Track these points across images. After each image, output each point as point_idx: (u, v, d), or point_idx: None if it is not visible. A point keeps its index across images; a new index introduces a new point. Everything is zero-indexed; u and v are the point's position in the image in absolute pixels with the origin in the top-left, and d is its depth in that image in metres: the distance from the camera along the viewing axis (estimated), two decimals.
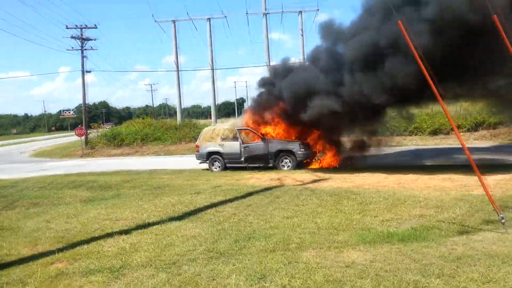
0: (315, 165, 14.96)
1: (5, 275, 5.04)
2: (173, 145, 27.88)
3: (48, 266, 5.29)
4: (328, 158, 15.26)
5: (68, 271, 5.03)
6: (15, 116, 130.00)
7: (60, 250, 5.91)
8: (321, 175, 12.25)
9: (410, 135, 23.01)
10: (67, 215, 8.27)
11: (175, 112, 46.85)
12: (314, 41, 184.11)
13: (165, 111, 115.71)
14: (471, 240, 5.37)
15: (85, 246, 6.03)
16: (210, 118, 46.95)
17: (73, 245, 6.13)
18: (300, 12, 38.80)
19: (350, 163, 14.64)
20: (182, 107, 39.39)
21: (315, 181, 11.11)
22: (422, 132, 22.90)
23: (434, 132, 22.72)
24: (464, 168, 11.69)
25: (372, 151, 15.64)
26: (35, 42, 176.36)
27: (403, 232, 5.87)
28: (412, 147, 20.58)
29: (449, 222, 6.26)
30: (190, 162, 17.31)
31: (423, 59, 5.97)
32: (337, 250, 5.28)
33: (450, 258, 4.74)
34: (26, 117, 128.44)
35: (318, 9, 38.24)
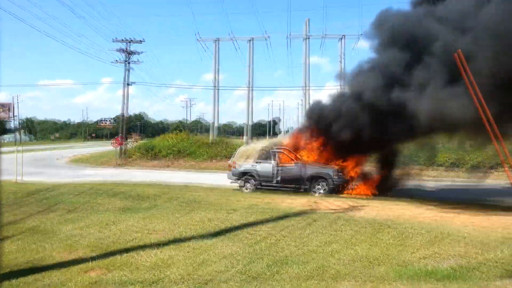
0: (350, 192, 14.71)
1: (46, 277, 5.16)
2: (206, 161, 28.16)
3: (84, 273, 5.37)
4: (363, 186, 15.00)
5: (103, 281, 5.08)
6: (56, 122, 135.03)
7: (98, 257, 6.00)
8: (356, 202, 12.02)
9: (452, 167, 22.30)
10: (104, 223, 8.43)
11: (209, 129, 47.41)
12: (353, 66, 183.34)
13: (199, 127, 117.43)
14: None
15: (120, 257, 6.09)
16: (243, 137, 47.29)
17: (109, 254, 6.21)
18: (342, 37, 38.90)
19: (387, 193, 14.29)
20: (216, 124, 39.91)
21: (351, 208, 10.90)
22: (463, 165, 22.14)
23: (477, 166, 21.94)
24: (507, 209, 11.25)
25: (411, 182, 15.29)
26: (82, 52, 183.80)
27: (442, 271, 5.63)
28: (451, 181, 19.95)
29: (493, 264, 5.97)
30: (223, 179, 17.38)
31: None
32: (373, 284, 5.12)
33: None
34: (67, 124, 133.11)
35: (361, 34, 38.07)
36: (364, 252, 6.48)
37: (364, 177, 15.43)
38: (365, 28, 51.26)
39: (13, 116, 69.50)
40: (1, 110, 65.42)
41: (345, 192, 14.65)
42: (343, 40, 38.84)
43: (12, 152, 21.22)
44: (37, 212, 9.67)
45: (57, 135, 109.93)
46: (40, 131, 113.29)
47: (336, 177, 14.20)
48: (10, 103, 67.68)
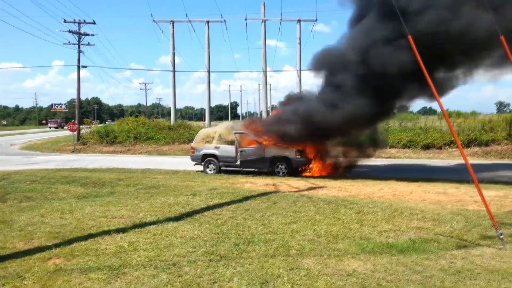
0: (309, 173, 14.99)
1: (1, 269, 4.95)
2: (166, 145, 27.74)
3: (45, 261, 5.21)
4: (322, 167, 15.32)
5: (66, 268, 4.95)
6: (5, 107, 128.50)
7: (57, 245, 5.82)
8: (315, 183, 12.29)
9: (404, 148, 23.20)
10: (62, 211, 8.16)
11: (168, 113, 46.73)
12: (311, 49, 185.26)
13: (158, 110, 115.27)
14: (470, 254, 5.42)
15: (82, 243, 5.94)
16: (203, 120, 46.87)
17: (69, 241, 6.04)
18: (299, 21, 39.00)
19: (345, 173, 14.69)
20: (175, 108, 39.27)
21: (310, 188, 11.13)
22: (415, 146, 23.09)
23: (427, 147, 22.93)
24: (457, 183, 11.87)
25: (366, 162, 15.74)
26: (30, 33, 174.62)
27: (402, 244, 5.90)
28: (406, 160, 20.74)
29: (447, 236, 6.32)
30: (184, 163, 17.24)
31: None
32: (338, 258, 5.29)
33: (450, 271, 4.77)
34: (17, 109, 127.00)
35: (316, 19, 38.38)
36: (325, 229, 6.67)
37: (323, 159, 15.75)
38: (320, 13, 51.74)
39: None
40: None
41: (304, 173, 14.91)
42: (299, 24, 38.95)
43: None
44: None
45: (4, 122, 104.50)
46: None
47: (296, 159, 14.41)
48: None
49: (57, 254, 5.50)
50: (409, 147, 23.18)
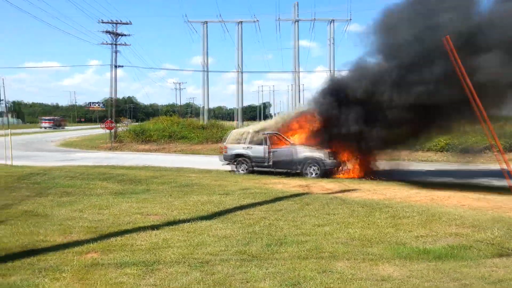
0: (342, 175, 14.80)
1: (42, 261, 5.13)
2: (199, 144, 28.09)
3: (83, 255, 5.37)
4: (355, 169, 15.10)
5: (103, 262, 5.09)
6: (46, 105, 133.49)
7: (94, 240, 5.99)
8: (349, 185, 12.11)
9: (441, 151, 22.52)
10: (99, 206, 8.40)
11: (200, 112, 47.23)
12: (344, 50, 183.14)
13: (191, 110, 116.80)
14: None
15: (119, 238, 6.09)
16: (234, 120, 47.15)
17: (106, 237, 6.20)
18: (332, 21, 38.65)
19: (379, 176, 14.40)
20: (207, 108, 39.72)
21: (343, 190, 10.98)
22: (453, 149, 22.38)
23: (466, 150, 22.16)
24: (498, 188, 11.42)
25: (402, 165, 15.41)
26: (69, 33, 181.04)
27: (439, 250, 5.72)
28: (443, 164, 20.15)
29: (487, 243, 6.07)
30: (216, 162, 17.38)
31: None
32: (372, 262, 5.19)
33: (490, 280, 4.59)
34: (56, 107, 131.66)
35: (350, 19, 37.94)
36: (358, 232, 6.55)
37: (356, 161, 15.54)
38: (354, 13, 51.10)
39: (1, 99, 68.29)
40: None
41: (337, 175, 14.74)
42: (332, 24, 38.60)
43: (2, 135, 20.95)
44: (30, 197, 9.58)
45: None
46: (28, 114, 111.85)
47: (328, 160, 14.27)
48: None
49: (94, 248, 5.65)
50: (447, 150, 22.49)
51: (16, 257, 5.26)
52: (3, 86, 68.47)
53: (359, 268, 4.97)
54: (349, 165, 15.36)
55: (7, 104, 76.94)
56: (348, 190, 11.06)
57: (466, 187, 12.13)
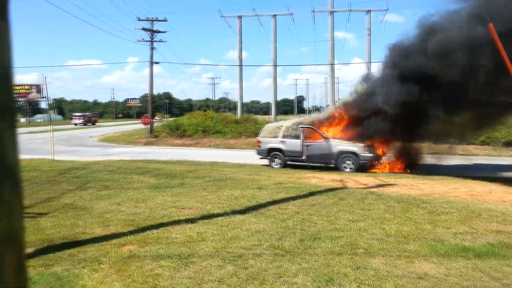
0: (378, 170, 14.51)
1: (82, 252, 5.31)
2: (233, 138, 28.26)
3: (121, 247, 5.51)
4: (392, 163, 14.76)
5: (139, 254, 5.21)
6: (86, 101, 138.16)
7: (131, 233, 6.14)
8: (385, 179, 11.85)
9: (482, 145, 21.67)
10: (136, 200, 8.60)
11: (235, 107, 47.51)
12: (381, 41, 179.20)
13: (225, 105, 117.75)
14: None
15: (154, 231, 6.21)
16: (269, 114, 47.11)
17: (142, 229, 6.34)
18: (369, 11, 37.83)
19: (417, 170, 14.02)
20: (241, 102, 39.87)
21: (379, 185, 10.76)
22: (495, 143, 21.48)
23: (509, 144, 21.23)
24: None
25: (442, 159, 14.93)
26: (108, 32, 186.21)
27: (479, 247, 5.51)
28: (485, 158, 19.39)
29: None
30: (250, 156, 17.46)
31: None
32: (408, 259, 5.06)
33: None
34: (96, 103, 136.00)
35: (387, 9, 37.02)
36: (394, 229, 6.40)
37: (393, 154, 15.20)
38: (391, 2, 49.78)
39: (43, 96, 71.09)
40: (32, 91, 67.01)
41: (373, 169, 14.46)
42: (369, 14, 37.76)
43: (45, 131, 21.81)
44: (70, 190, 9.93)
45: None
46: (69, 111, 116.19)
47: (364, 154, 14.01)
48: (40, 84, 69.25)
49: (131, 240, 5.79)
50: (488, 144, 21.62)
51: (57, 248, 5.47)
52: (45, 84, 71.09)
53: (394, 265, 4.86)
54: (386, 159, 15.03)
55: (49, 101, 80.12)
56: (384, 185, 10.83)
57: (508, 182, 11.61)
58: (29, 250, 5.35)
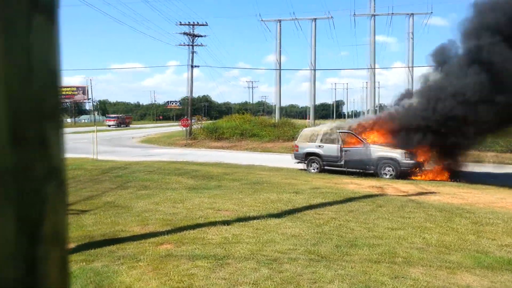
0: (419, 177, 14.09)
1: (121, 249, 5.46)
2: (270, 142, 28.28)
3: (158, 246, 5.62)
4: (434, 170, 14.30)
5: (176, 253, 5.29)
6: (128, 104, 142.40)
7: (168, 232, 6.25)
8: (427, 187, 11.50)
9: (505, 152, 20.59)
10: (174, 200, 8.76)
11: (272, 110, 47.55)
12: (423, 45, 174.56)
13: (263, 108, 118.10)
14: None
15: (191, 232, 6.30)
16: (306, 119, 46.84)
17: (179, 229, 6.44)
18: (411, 14, 36.97)
19: (460, 178, 13.51)
20: (279, 106, 39.86)
21: (420, 193, 10.45)
22: None
23: None
24: None
25: (487, 168, 14.34)
26: (150, 36, 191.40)
27: None
28: None
29: None
30: (287, 160, 17.40)
31: None
32: (449, 270, 4.87)
33: None
34: (138, 105, 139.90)
35: (431, 12, 36.02)
36: (435, 238, 6.19)
37: (435, 162, 14.71)
38: (435, 5, 48.40)
39: (89, 98, 73.86)
40: (78, 93, 69.77)
41: (414, 176, 14.06)
42: (411, 18, 36.87)
43: (89, 131, 22.62)
44: (111, 189, 10.25)
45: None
46: (112, 112, 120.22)
47: (405, 161, 13.65)
48: (86, 86, 71.98)
49: (168, 240, 5.90)
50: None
51: (98, 244, 5.65)
52: (91, 86, 73.90)
53: (435, 275, 4.69)
54: (428, 166, 14.57)
55: (94, 103, 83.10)
56: (426, 193, 10.50)
57: None
58: (71, 245, 5.56)
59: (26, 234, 0.29)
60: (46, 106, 0.34)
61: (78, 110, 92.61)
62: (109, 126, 62.67)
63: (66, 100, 69.27)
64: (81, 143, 27.22)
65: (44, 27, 0.33)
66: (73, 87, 69.81)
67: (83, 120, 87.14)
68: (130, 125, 69.16)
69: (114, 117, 67.21)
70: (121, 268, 4.77)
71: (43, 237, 0.32)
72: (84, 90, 70.55)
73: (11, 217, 0.28)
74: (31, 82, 0.31)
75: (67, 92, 67.13)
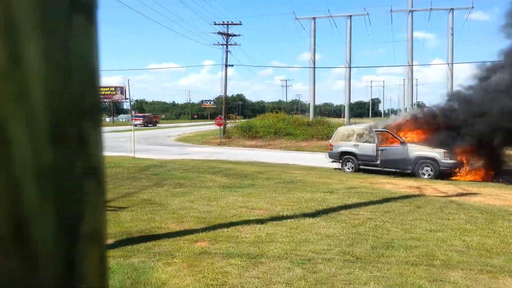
0: (459, 177, 13.62)
1: (157, 246, 5.57)
2: (304, 141, 28.11)
3: (193, 243, 5.70)
4: (476, 170, 13.78)
5: (210, 251, 5.35)
6: (164, 103, 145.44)
7: (203, 230, 6.33)
8: (467, 188, 11.10)
9: None
10: (208, 198, 8.86)
11: (307, 109, 47.26)
12: (464, 41, 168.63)
13: (297, 107, 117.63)
14: None
15: (225, 230, 6.36)
16: (342, 117, 46.28)
17: (214, 227, 6.51)
18: (451, 9, 35.77)
19: (505, 179, 12.95)
20: (313, 104, 39.55)
21: (461, 194, 10.10)
22: None
23: None
24: None
25: None
26: (186, 36, 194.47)
27: None
28: None
29: None
30: (321, 159, 17.24)
31: None
32: (491, 275, 4.68)
33: None
34: (173, 104, 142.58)
35: (472, 7, 34.70)
36: (476, 241, 5.97)
37: (477, 161, 14.17)
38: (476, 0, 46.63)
39: (126, 98, 75.80)
40: (116, 92, 71.73)
41: (454, 177, 13.60)
42: (452, 13, 35.67)
43: (127, 130, 23.20)
44: (148, 186, 10.48)
45: (163, 115, 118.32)
46: (148, 111, 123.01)
47: (445, 160, 13.23)
48: (124, 86, 73.91)
49: (203, 237, 5.97)
50: None
51: (135, 240, 5.79)
52: (128, 86, 75.83)
53: (475, 279, 4.53)
54: (469, 166, 14.05)
55: (131, 103, 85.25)
56: (466, 194, 10.15)
57: None
58: (110, 241, 5.72)
59: (66, 232, 0.30)
60: (86, 105, 0.34)
61: (117, 109, 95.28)
62: (135, 125, 58.72)
63: (105, 100, 71.27)
64: (119, 141, 28.00)
65: (83, 27, 0.33)
66: (112, 87, 71.77)
67: (121, 119, 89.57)
68: (158, 124, 67.40)
69: (141, 116, 64.44)
70: (157, 264, 4.87)
71: (82, 234, 0.32)
72: (122, 90, 72.39)
73: (50, 216, 0.28)
74: (71, 82, 0.32)
75: (106, 92, 69.05)
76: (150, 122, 64.29)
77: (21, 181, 0.27)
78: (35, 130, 0.28)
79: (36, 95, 0.29)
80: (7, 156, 0.27)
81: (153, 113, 79.44)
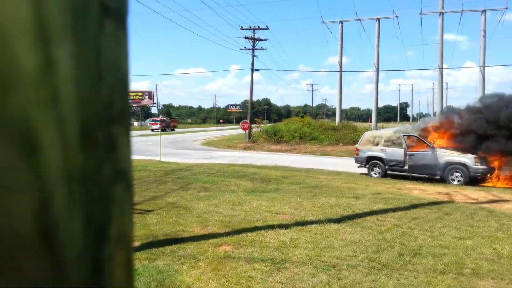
0: (491, 183, 13.21)
1: (182, 249, 5.62)
2: (330, 146, 27.87)
3: (217, 247, 5.72)
4: (509, 176, 13.34)
5: (234, 255, 5.36)
6: (191, 107, 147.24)
7: (227, 234, 6.35)
8: (499, 195, 10.77)
9: None
10: (233, 202, 8.89)
11: (333, 113, 46.86)
12: (497, 43, 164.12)
13: (323, 111, 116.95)
14: None
15: (249, 234, 6.36)
16: (369, 121, 45.68)
17: (238, 231, 6.52)
18: (484, 11, 34.86)
19: None
20: (340, 109, 39.20)
21: (492, 201, 9.80)
22: None
23: None
24: None
25: None
26: (213, 41, 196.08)
27: None
28: None
29: None
30: (347, 164, 17.07)
31: None
32: None
33: None
34: (200, 109, 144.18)
35: (506, 8, 33.71)
36: (508, 249, 5.78)
37: (509, 167, 13.71)
38: (510, 0, 45.32)
39: (154, 102, 77.13)
40: (145, 97, 73.05)
41: (486, 183, 13.20)
42: (484, 14, 34.77)
43: (155, 134, 23.52)
44: (174, 190, 10.59)
45: (189, 120, 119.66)
46: (175, 116, 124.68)
47: (475, 166, 12.87)
48: (152, 91, 75.22)
49: (227, 241, 5.99)
50: None
51: (160, 243, 5.86)
52: (156, 91, 77.15)
53: None
54: (501, 172, 13.62)
55: (159, 107, 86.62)
56: (498, 201, 9.84)
57: None
58: (136, 244, 5.81)
59: (94, 236, 0.30)
60: (115, 110, 0.34)
61: (145, 113, 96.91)
62: (152, 130, 54.72)
63: (134, 105, 72.69)
64: (147, 145, 28.45)
65: (114, 33, 0.34)
66: (140, 92, 73.15)
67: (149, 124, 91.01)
68: (176, 129, 65.07)
69: (159, 121, 59.70)
70: (182, 267, 4.91)
71: (109, 238, 0.32)
72: (150, 94, 73.68)
73: (79, 219, 0.29)
74: (101, 87, 0.32)
75: (134, 97, 70.42)
76: (168, 127, 62.44)
77: (52, 186, 0.28)
78: (66, 135, 0.29)
79: (67, 100, 0.29)
80: (39, 161, 0.27)
81: (171, 118, 78.40)
